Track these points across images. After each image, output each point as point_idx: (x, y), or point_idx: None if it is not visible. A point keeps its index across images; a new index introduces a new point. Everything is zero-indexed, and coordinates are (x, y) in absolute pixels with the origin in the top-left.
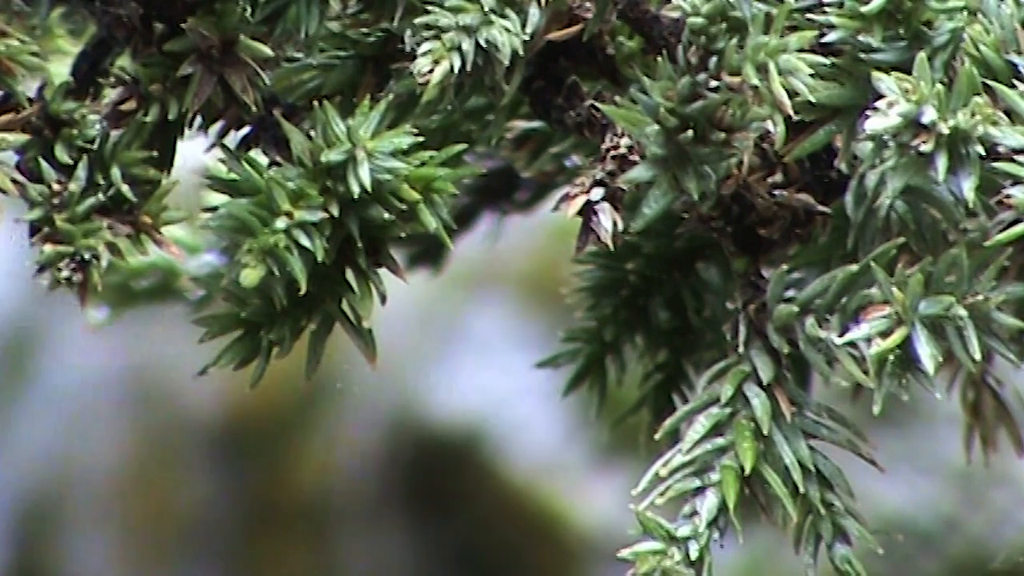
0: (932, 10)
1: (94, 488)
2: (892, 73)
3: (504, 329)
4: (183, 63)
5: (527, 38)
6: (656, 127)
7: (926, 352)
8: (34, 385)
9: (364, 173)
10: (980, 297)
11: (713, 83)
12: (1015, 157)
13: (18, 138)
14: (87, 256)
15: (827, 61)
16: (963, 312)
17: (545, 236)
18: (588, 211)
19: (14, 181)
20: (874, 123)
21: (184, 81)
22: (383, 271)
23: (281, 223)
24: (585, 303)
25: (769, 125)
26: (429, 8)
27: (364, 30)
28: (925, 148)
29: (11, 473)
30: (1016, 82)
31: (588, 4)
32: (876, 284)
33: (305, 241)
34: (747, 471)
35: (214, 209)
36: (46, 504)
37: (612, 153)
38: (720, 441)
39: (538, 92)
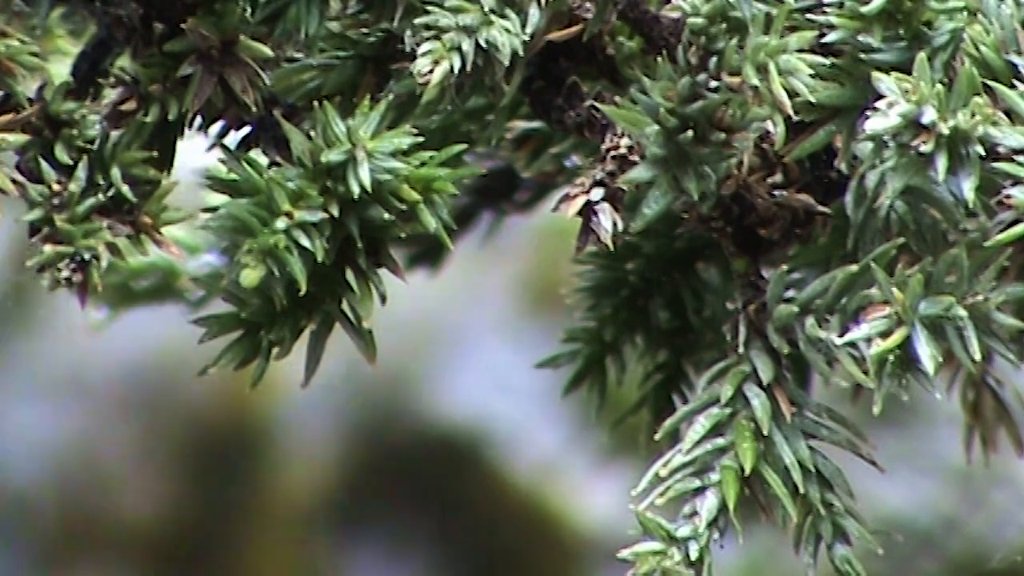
0: (932, 10)
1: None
2: (892, 73)
3: (505, 330)
4: (183, 63)
5: (527, 38)
6: (656, 127)
7: (926, 352)
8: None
9: (364, 173)
10: (980, 297)
11: (713, 83)
12: (1015, 157)
13: (18, 138)
14: (87, 256)
15: (827, 61)
16: (963, 312)
17: (545, 237)
18: (588, 211)
19: (14, 181)
20: (874, 123)
21: (184, 81)
22: (383, 271)
23: (281, 223)
24: (585, 303)
25: (769, 125)
26: (429, 8)
27: (364, 30)
28: (925, 148)
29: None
30: (1016, 82)
31: (588, 4)
32: (876, 284)
33: (305, 241)
34: (747, 471)
35: (214, 209)
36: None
37: (612, 153)
38: (720, 441)
39: (538, 92)
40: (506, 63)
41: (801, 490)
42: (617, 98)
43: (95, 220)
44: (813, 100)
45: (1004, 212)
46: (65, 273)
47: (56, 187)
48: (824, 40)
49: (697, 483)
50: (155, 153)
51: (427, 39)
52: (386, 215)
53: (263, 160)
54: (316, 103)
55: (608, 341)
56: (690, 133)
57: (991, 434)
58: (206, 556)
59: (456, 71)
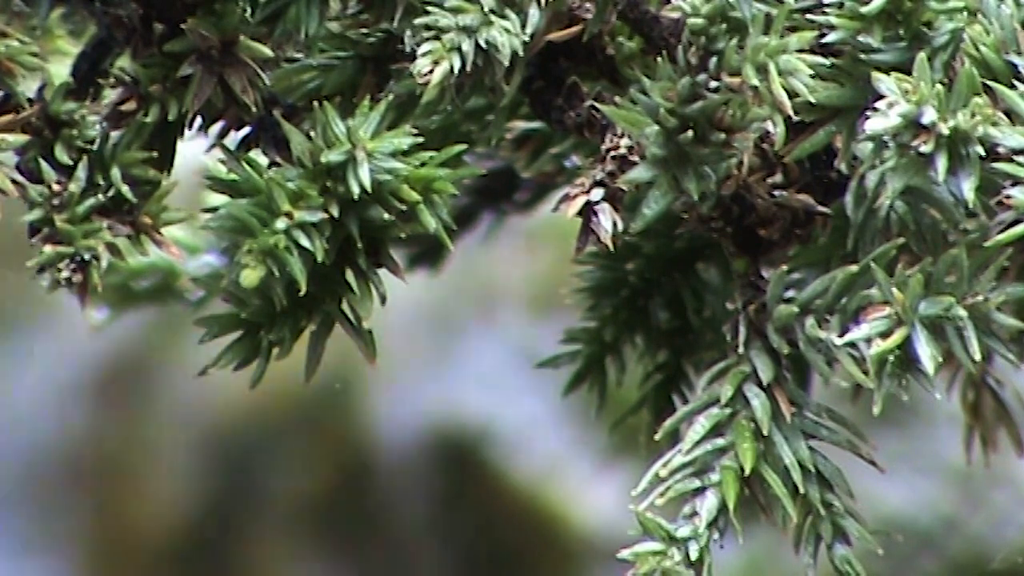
0: (932, 10)
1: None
2: (892, 73)
3: (505, 330)
4: (183, 63)
5: (527, 39)
6: (656, 128)
7: (926, 352)
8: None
9: (364, 173)
10: (980, 297)
11: (713, 83)
12: (1015, 157)
13: (18, 138)
14: (87, 257)
15: (827, 61)
16: (963, 312)
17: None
18: (588, 211)
19: (14, 181)
20: (874, 123)
21: (184, 81)
22: (383, 271)
23: (281, 224)
24: (585, 303)
25: (769, 125)
26: (429, 8)
27: (364, 30)
28: (925, 148)
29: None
30: (1016, 82)
31: (588, 4)
32: (876, 284)
33: (305, 241)
34: (747, 471)
35: (214, 209)
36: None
37: (612, 154)
38: (720, 442)
39: (538, 92)
40: (506, 63)
41: (801, 490)
42: (617, 98)
43: (95, 220)
44: (813, 100)
45: (1004, 212)
46: (65, 273)
47: (56, 187)
48: (824, 40)
49: (697, 483)
50: (155, 153)
51: (427, 39)
52: (386, 215)
53: (263, 160)
54: (316, 103)
55: (608, 341)
56: (690, 133)
57: (991, 434)
58: (206, 555)
59: (456, 71)
